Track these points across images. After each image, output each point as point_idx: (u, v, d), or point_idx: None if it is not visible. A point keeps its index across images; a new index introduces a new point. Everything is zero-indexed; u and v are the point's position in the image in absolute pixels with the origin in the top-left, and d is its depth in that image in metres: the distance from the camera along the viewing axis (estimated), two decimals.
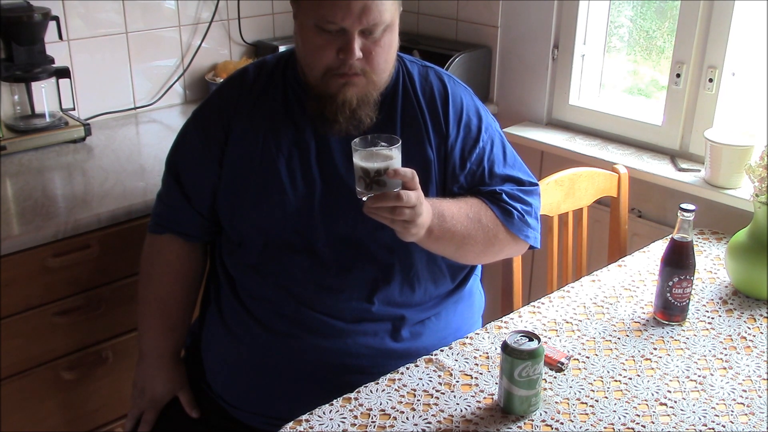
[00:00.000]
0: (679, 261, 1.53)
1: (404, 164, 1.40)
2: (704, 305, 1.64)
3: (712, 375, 1.42)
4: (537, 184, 1.58)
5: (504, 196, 1.50)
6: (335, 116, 1.41)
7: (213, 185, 1.52)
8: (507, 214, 1.50)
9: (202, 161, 1.52)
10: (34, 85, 2.11)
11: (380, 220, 1.31)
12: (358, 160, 1.30)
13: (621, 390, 1.37)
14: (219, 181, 1.52)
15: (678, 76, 2.19)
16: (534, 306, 1.63)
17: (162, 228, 1.59)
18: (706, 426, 1.29)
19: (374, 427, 1.27)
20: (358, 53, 1.36)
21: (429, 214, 1.37)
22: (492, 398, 1.34)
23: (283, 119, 1.49)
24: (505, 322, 1.57)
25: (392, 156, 1.31)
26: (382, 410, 1.31)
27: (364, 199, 1.30)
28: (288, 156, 1.47)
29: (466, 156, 1.51)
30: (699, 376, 1.41)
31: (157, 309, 1.60)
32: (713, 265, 1.82)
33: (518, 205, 1.51)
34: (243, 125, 1.49)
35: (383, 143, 1.32)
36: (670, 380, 1.40)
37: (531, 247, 1.57)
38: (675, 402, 1.34)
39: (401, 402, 1.33)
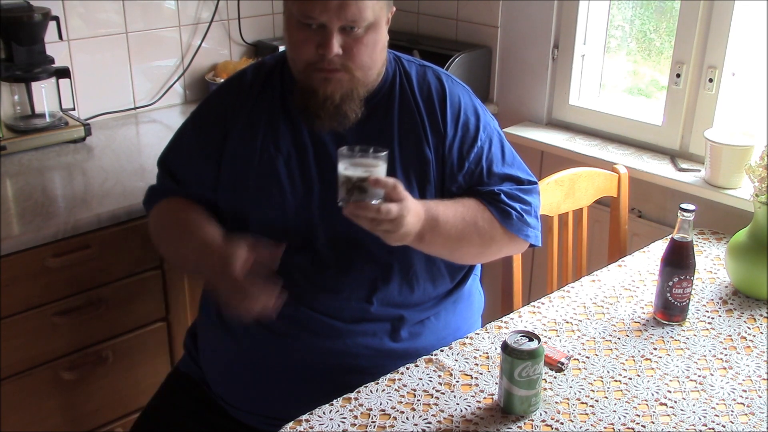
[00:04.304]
0: (679, 261, 1.53)
1: (404, 165, 1.40)
2: (704, 305, 1.64)
3: (712, 375, 1.42)
4: (536, 183, 1.58)
5: (503, 196, 1.50)
6: (317, 111, 1.42)
7: (212, 185, 1.52)
8: (505, 215, 1.50)
9: (199, 161, 1.52)
10: (34, 85, 2.10)
11: (361, 225, 1.31)
12: (341, 168, 1.31)
13: (621, 390, 1.37)
14: (217, 182, 1.51)
15: (678, 76, 2.19)
16: (534, 306, 1.63)
17: (160, 195, 1.56)
18: (706, 426, 1.29)
19: (374, 427, 1.27)
20: (337, 49, 1.37)
21: (417, 222, 1.36)
22: (492, 398, 1.34)
23: (281, 120, 1.49)
24: (505, 322, 1.57)
25: (376, 165, 1.32)
26: (382, 410, 1.31)
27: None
28: (287, 157, 1.47)
29: (464, 156, 1.51)
30: (699, 376, 1.41)
31: (184, 235, 1.48)
32: (713, 265, 1.82)
33: (517, 205, 1.51)
34: (241, 126, 1.49)
35: (370, 153, 1.33)
36: (670, 380, 1.40)
37: (532, 245, 1.57)
38: (675, 402, 1.34)
39: (401, 402, 1.33)
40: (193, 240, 1.43)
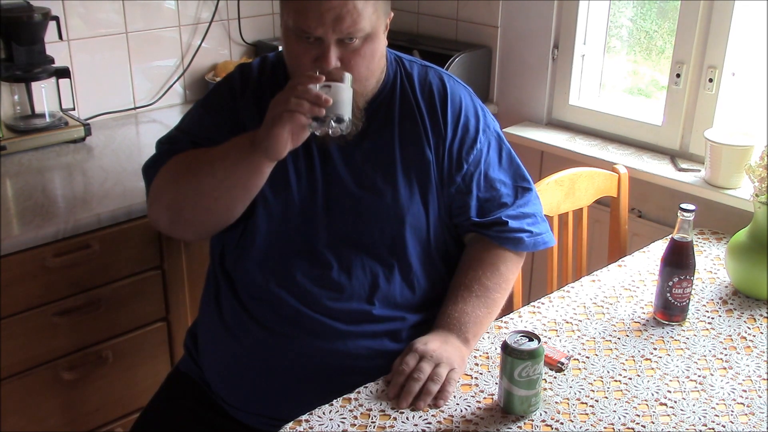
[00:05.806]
0: (679, 261, 1.53)
1: (405, 165, 1.40)
2: (704, 305, 1.64)
3: (712, 375, 1.42)
4: (531, 188, 1.58)
5: (510, 223, 1.52)
6: None
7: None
8: (518, 243, 1.53)
9: (214, 126, 1.49)
10: (34, 85, 2.11)
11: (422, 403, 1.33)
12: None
13: (621, 390, 1.37)
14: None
15: (678, 76, 2.19)
16: (534, 306, 1.63)
17: (170, 154, 1.46)
18: (706, 426, 1.29)
19: (374, 427, 1.27)
20: (335, 62, 1.36)
21: (467, 355, 1.42)
22: (492, 398, 1.34)
23: None
24: (505, 322, 1.57)
25: (343, 90, 1.30)
26: (382, 410, 1.31)
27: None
28: (294, 154, 1.47)
29: (463, 157, 1.51)
30: (699, 376, 1.41)
31: (215, 151, 1.40)
32: (713, 265, 1.82)
33: (524, 224, 1.53)
34: (251, 117, 1.49)
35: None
36: (670, 380, 1.40)
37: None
38: (675, 402, 1.34)
39: None
40: (231, 143, 1.37)
